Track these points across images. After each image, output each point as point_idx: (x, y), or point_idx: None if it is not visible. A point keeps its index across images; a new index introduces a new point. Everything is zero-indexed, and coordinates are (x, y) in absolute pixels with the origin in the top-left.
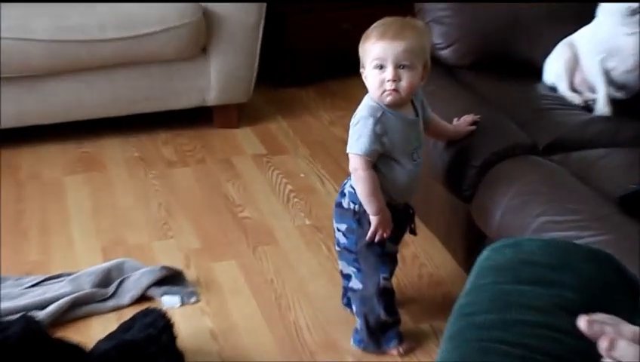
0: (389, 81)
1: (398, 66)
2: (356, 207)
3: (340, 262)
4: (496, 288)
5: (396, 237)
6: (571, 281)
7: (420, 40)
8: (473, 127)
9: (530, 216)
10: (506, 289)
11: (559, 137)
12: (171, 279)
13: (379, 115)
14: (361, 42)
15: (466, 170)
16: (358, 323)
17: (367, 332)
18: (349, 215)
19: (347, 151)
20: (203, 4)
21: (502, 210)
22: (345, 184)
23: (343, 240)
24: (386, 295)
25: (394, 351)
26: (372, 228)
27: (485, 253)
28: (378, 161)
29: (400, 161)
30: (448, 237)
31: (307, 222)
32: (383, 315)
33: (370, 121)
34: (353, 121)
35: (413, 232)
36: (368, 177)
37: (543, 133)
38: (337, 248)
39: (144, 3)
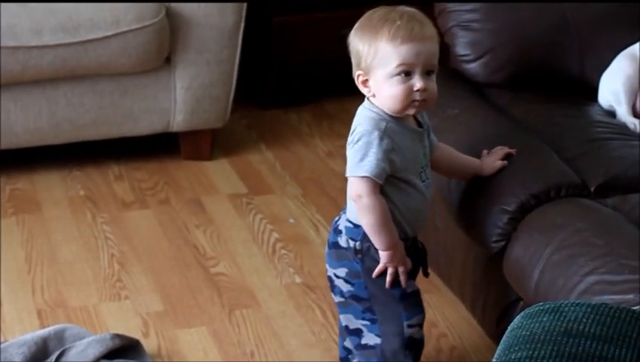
0: (418, 90)
1: (425, 72)
2: (357, 244)
3: (342, 317)
4: None
5: (410, 275)
6: (626, 357)
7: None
8: (504, 163)
9: (577, 275)
10: None
11: (616, 175)
12: (125, 350)
13: (383, 126)
14: (371, 39)
15: (496, 216)
16: None
17: None
18: (348, 255)
19: (347, 175)
20: (166, 3)
21: (541, 267)
22: (338, 220)
23: (346, 288)
24: (415, 347)
25: None
26: (381, 266)
27: (518, 320)
28: (385, 185)
29: (411, 182)
30: (474, 300)
31: (297, 280)
32: None
33: (376, 135)
34: (352, 138)
35: (426, 273)
36: (377, 204)
37: (596, 170)
38: (340, 299)
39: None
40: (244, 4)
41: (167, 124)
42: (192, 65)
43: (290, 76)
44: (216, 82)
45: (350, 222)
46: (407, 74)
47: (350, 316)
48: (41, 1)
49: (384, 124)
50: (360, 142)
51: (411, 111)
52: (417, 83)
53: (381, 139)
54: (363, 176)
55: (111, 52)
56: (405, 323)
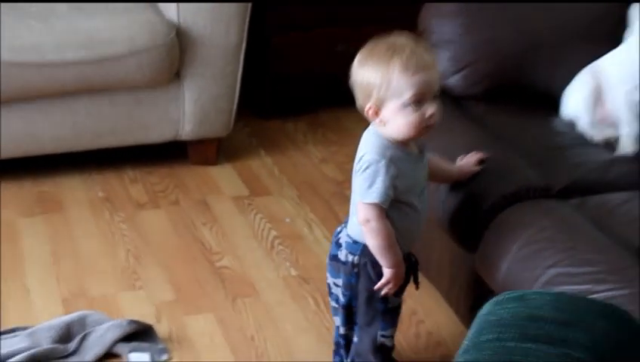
0: (431, 115)
1: (433, 97)
2: (355, 258)
3: (335, 319)
4: (498, 345)
5: (401, 289)
6: (582, 340)
7: None
8: (479, 168)
9: (541, 268)
10: (509, 347)
11: (577, 179)
12: (140, 334)
13: (389, 154)
14: (383, 71)
15: (470, 216)
16: None
17: None
18: (346, 269)
19: (360, 200)
20: (177, 22)
21: (509, 261)
22: (338, 233)
23: (342, 298)
24: (385, 351)
25: None
26: (384, 281)
27: (487, 307)
28: (388, 208)
29: (411, 204)
30: (450, 290)
31: (293, 273)
32: None
33: (383, 164)
34: (360, 165)
35: (417, 284)
36: (384, 228)
37: (559, 175)
38: (334, 304)
39: (110, 21)
40: (246, 24)
41: (177, 132)
42: (199, 80)
43: (287, 89)
44: (221, 95)
45: (350, 237)
46: (420, 102)
47: (338, 321)
48: (41, 1)
49: (390, 151)
50: (368, 170)
51: (423, 136)
52: (429, 109)
53: (388, 167)
54: (371, 203)
55: (127, 68)
56: (379, 333)
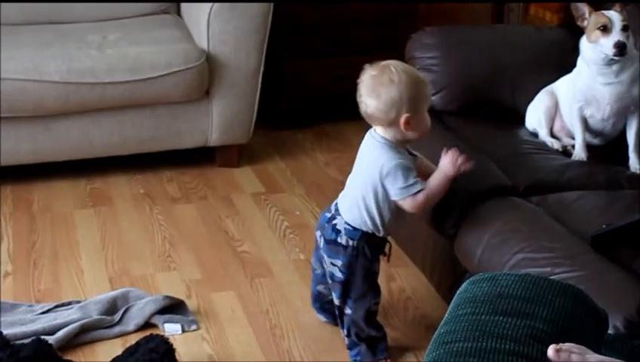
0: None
1: None
2: (355, 243)
3: (318, 287)
4: (473, 318)
5: (379, 259)
6: (543, 314)
7: None
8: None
9: (509, 253)
10: (482, 319)
11: (538, 180)
12: (173, 308)
13: (402, 157)
14: (413, 85)
15: (449, 210)
16: (347, 340)
17: (362, 347)
18: (346, 251)
19: (399, 198)
20: (207, 50)
21: (482, 248)
22: (331, 220)
23: (338, 274)
24: (372, 316)
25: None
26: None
27: (464, 286)
28: (392, 201)
29: None
30: (432, 272)
31: (302, 257)
32: (372, 333)
33: (403, 162)
34: (388, 171)
35: (388, 258)
36: (432, 197)
37: (523, 176)
38: (329, 281)
39: (152, 48)
40: (264, 52)
41: (206, 140)
42: (224, 97)
43: (298, 105)
44: (242, 109)
45: (349, 225)
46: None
47: (336, 293)
48: (41, 1)
49: (400, 155)
50: (399, 172)
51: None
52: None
53: (407, 164)
54: (416, 192)
55: (165, 87)
56: (372, 301)
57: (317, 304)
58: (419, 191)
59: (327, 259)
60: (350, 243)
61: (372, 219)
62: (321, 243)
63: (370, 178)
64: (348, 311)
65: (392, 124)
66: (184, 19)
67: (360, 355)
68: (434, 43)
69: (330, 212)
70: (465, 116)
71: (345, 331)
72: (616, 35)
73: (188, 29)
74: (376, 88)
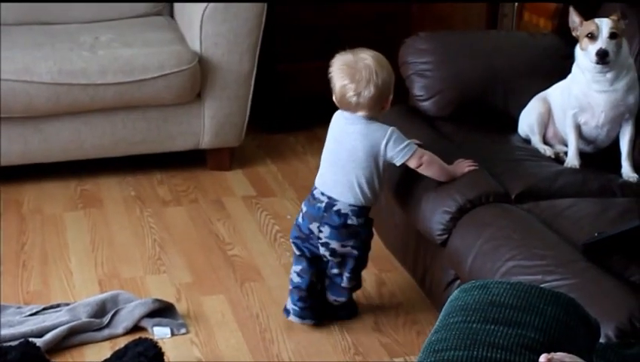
0: None
1: None
2: (363, 219)
3: (302, 276)
4: (465, 326)
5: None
6: (535, 322)
7: None
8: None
9: (500, 261)
10: (474, 327)
11: (530, 187)
12: (163, 311)
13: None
14: (391, 77)
15: (440, 216)
16: (339, 303)
17: (352, 304)
18: (359, 229)
19: (401, 160)
20: (199, 52)
21: (474, 254)
22: (332, 207)
23: (354, 252)
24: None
25: None
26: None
27: (456, 294)
28: (382, 168)
29: None
30: (424, 278)
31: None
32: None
33: (395, 129)
34: (387, 138)
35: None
36: (431, 156)
37: (515, 183)
38: (333, 259)
39: (144, 50)
40: (257, 55)
41: (198, 142)
42: (216, 100)
43: (289, 109)
44: (234, 112)
45: (354, 206)
46: None
47: (335, 267)
48: (40, 1)
49: (382, 123)
50: (396, 135)
51: None
52: None
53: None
54: (414, 151)
55: (157, 89)
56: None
57: (305, 303)
58: (417, 149)
59: (336, 244)
60: (361, 221)
61: (374, 191)
62: (325, 233)
63: (366, 154)
64: (345, 283)
65: (377, 105)
66: (177, 21)
67: (354, 313)
68: (427, 48)
69: (321, 202)
70: (458, 122)
71: (338, 297)
72: (600, 43)
73: (181, 31)
74: (378, 77)
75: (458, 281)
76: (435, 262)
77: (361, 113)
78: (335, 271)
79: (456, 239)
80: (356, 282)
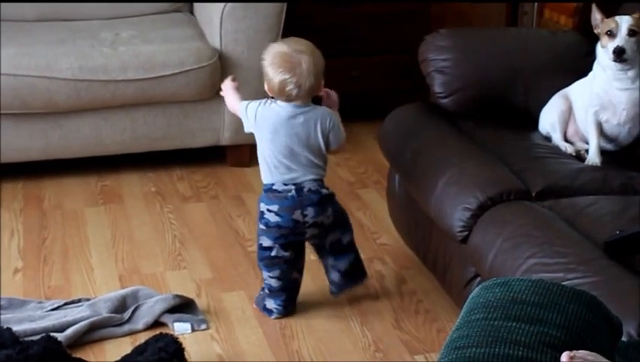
0: None
1: None
2: (328, 189)
3: (280, 269)
4: (486, 324)
5: None
6: (557, 320)
7: None
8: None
9: (521, 258)
10: (495, 325)
11: (551, 184)
12: (183, 307)
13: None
14: (323, 63)
15: (461, 213)
16: (352, 267)
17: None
18: (331, 197)
19: (339, 145)
20: (219, 49)
21: (495, 252)
22: (303, 189)
23: (339, 217)
24: None
25: None
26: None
27: (477, 291)
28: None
29: None
30: (445, 275)
31: (312, 258)
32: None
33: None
34: (332, 124)
35: None
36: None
37: (536, 180)
38: (322, 231)
39: (164, 46)
40: None
41: (218, 139)
42: None
43: None
44: None
45: (319, 180)
46: None
47: (337, 233)
48: (40, 1)
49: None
50: (338, 123)
51: None
52: None
53: None
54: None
55: (177, 85)
56: None
57: (288, 301)
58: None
59: (323, 217)
60: (329, 190)
61: (325, 163)
62: (310, 213)
63: (318, 135)
64: (350, 256)
65: (315, 91)
66: (197, 18)
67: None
68: (447, 45)
69: (289, 191)
70: (478, 119)
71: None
72: (618, 40)
73: (200, 27)
74: (316, 67)
75: (478, 278)
76: (455, 259)
77: (300, 101)
78: (331, 238)
79: (477, 236)
80: (352, 234)
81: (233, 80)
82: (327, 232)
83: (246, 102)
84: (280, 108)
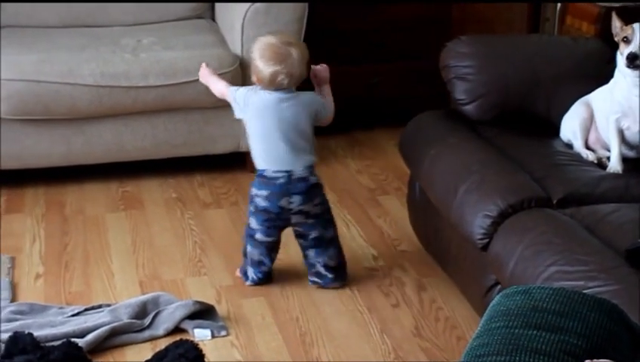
0: None
1: None
2: (316, 176)
3: (315, 231)
4: (506, 332)
5: None
6: (577, 328)
7: None
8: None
9: (542, 266)
10: (516, 333)
11: (572, 192)
12: (203, 313)
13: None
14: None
15: (482, 220)
16: (331, 276)
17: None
18: (318, 183)
19: (331, 114)
20: (241, 55)
21: (515, 259)
22: (293, 176)
23: (327, 206)
24: None
25: None
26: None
27: (498, 299)
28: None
29: None
30: (464, 282)
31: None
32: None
33: None
34: (318, 106)
35: None
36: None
37: (557, 188)
38: (306, 221)
39: (185, 53)
40: None
41: (238, 145)
42: None
43: None
44: None
45: (309, 167)
46: None
47: (322, 230)
48: (41, 1)
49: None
50: (319, 99)
51: None
52: None
53: None
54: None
55: (198, 91)
56: None
57: (263, 268)
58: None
59: (310, 206)
60: (316, 177)
61: (313, 146)
62: (295, 202)
63: (308, 120)
64: (332, 249)
65: (302, 78)
66: (218, 24)
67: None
68: (469, 52)
69: (279, 178)
70: (499, 126)
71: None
72: (632, 47)
73: (222, 34)
74: (304, 56)
75: (499, 286)
76: (475, 266)
77: (288, 88)
78: (315, 234)
79: (498, 244)
80: (335, 229)
81: (207, 65)
82: (312, 226)
83: (235, 87)
84: (268, 95)
